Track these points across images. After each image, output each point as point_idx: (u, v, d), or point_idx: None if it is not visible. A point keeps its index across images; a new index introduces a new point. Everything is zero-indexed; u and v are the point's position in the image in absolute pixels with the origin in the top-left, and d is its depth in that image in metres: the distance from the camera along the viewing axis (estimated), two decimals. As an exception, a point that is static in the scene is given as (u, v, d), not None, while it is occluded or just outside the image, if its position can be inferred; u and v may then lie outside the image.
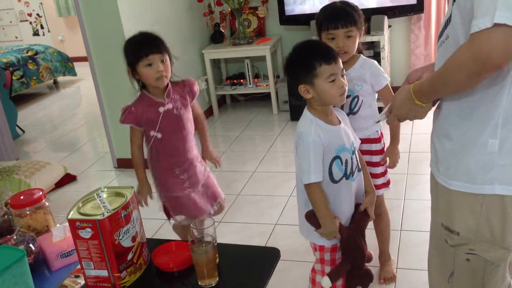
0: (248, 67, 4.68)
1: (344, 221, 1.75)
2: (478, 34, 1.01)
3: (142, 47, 2.01)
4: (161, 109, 2.08)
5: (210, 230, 1.34)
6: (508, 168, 1.16)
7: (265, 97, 4.83)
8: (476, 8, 1.03)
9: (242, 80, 4.81)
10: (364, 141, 2.04)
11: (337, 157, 1.68)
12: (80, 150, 4.53)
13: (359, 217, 1.77)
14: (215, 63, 4.92)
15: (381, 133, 2.19)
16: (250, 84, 4.74)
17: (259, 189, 3.30)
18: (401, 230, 2.64)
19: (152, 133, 2.10)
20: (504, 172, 1.16)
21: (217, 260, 1.33)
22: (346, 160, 1.70)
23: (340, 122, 1.74)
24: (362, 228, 1.79)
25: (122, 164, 3.88)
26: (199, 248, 1.29)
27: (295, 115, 4.39)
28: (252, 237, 2.76)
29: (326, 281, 1.71)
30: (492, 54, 1.01)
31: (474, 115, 1.18)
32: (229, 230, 2.84)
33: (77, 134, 5.01)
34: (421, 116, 1.33)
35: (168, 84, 2.08)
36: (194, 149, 2.22)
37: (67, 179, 3.68)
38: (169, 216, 2.29)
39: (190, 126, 2.18)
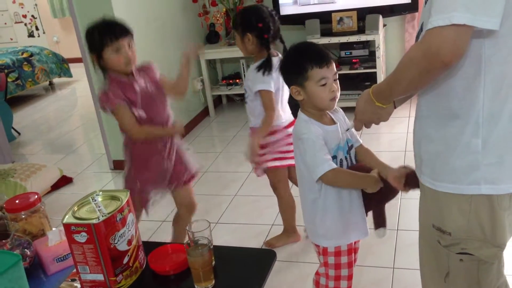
0: (243, 67, 4.68)
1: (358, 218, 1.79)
2: (430, 31, 1.02)
3: (110, 31, 1.96)
4: (137, 87, 2.04)
5: (205, 232, 1.34)
6: (493, 167, 1.16)
7: (261, 97, 4.83)
8: (433, 5, 1.03)
9: (237, 80, 4.81)
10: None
11: (333, 157, 1.68)
12: (76, 152, 4.52)
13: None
14: (211, 63, 4.91)
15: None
16: (246, 84, 4.74)
17: (255, 190, 3.30)
18: (397, 229, 2.65)
19: (135, 111, 2.04)
20: (489, 172, 1.16)
21: (213, 263, 1.33)
22: (341, 159, 1.71)
23: (334, 122, 1.74)
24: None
25: (119, 165, 3.87)
26: (194, 251, 1.29)
27: (292, 113, 4.38)
28: (249, 238, 2.75)
29: (381, 232, 1.71)
30: (441, 50, 1.01)
31: (454, 115, 1.17)
32: (226, 231, 2.84)
33: (73, 136, 5.00)
34: (385, 118, 1.36)
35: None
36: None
37: (63, 181, 3.67)
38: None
39: (166, 102, 2.16)
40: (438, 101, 1.20)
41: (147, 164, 2.18)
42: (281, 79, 2.18)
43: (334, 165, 1.60)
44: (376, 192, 1.66)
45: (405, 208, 2.84)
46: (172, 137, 2.20)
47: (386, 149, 3.64)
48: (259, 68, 2.30)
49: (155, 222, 2.89)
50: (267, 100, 2.28)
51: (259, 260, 1.41)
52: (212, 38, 4.78)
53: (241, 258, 1.44)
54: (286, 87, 2.25)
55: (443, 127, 1.21)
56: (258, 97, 2.30)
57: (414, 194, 2.97)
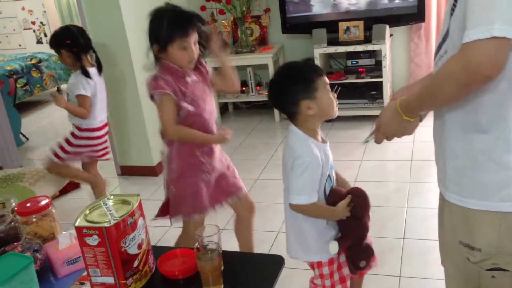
0: (250, 75, 4.71)
1: (335, 232, 1.77)
2: (470, 45, 1.01)
3: (181, 26, 1.87)
4: (189, 79, 1.95)
5: (215, 237, 1.35)
6: None
7: (267, 105, 4.85)
8: (468, 18, 1.02)
9: (244, 88, 4.83)
10: None
11: (328, 176, 1.71)
12: (83, 157, 4.55)
13: (353, 198, 1.74)
14: (218, 70, 4.94)
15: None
16: (252, 92, 4.77)
17: (262, 197, 3.31)
18: (404, 238, 2.65)
19: (184, 105, 1.93)
20: None
21: (222, 268, 1.34)
22: (332, 176, 1.76)
23: (324, 140, 1.77)
24: (358, 207, 1.76)
25: (126, 171, 3.90)
26: (204, 255, 1.30)
27: (297, 123, 4.41)
28: (255, 244, 2.76)
29: (333, 246, 1.69)
30: (482, 64, 1.00)
31: (482, 130, 1.15)
32: (233, 237, 2.84)
33: (80, 142, 5.03)
34: (410, 132, 1.34)
35: None
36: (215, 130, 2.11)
37: (71, 186, 3.69)
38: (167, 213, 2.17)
39: (214, 104, 2.10)
40: (465, 116, 1.18)
41: (184, 166, 2.05)
42: (98, 87, 2.96)
43: (315, 199, 1.64)
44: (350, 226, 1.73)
45: (411, 217, 2.85)
46: (211, 150, 2.07)
47: (392, 158, 3.65)
48: (79, 76, 2.85)
49: (163, 228, 2.90)
50: (83, 103, 2.86)
51: (268, 266, 1.42)
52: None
53: (249, 264, 1.45)
54: (101, 94, 2.96)
55: (469, 142, 1.18)
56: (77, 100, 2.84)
57: (420, 203, 3.00)
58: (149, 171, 3.78)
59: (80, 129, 3.03)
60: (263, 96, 4.75)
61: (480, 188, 1.19)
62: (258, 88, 4.83)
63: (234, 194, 2.19)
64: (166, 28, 1.87)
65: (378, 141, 1.43)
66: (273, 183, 3.51)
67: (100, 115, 3.06)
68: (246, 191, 2.26)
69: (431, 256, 2.41)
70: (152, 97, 1.97)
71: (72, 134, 3.07)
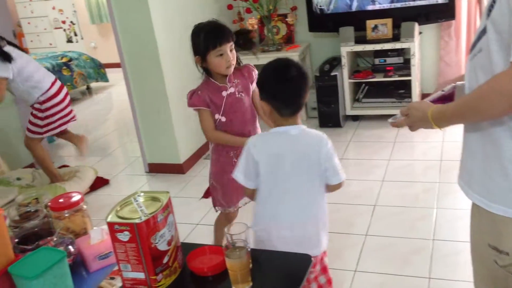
0: (277, 74, 4.70)
1: None
2: None
3: (215, 36, 2.07)
4: (224, 93, 2.17)
5: (243, 235, 1.36)
6: None
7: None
8: None
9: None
10: None
11: None
12: (111, 155, 4.63)
13: None
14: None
15: None
16: (279, 90, 4.76)
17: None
18: (433, 239, 2.61)
19: (216, 116, 2.19)
20: None
21: (251, 266, 1.35)
22: None
23: None
24: None
25: (154, 168, 3.95)
26: (233, 253, 1.31)
27: (324, 122, 4.39)
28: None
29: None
30: None
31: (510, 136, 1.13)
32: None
33: (108, 139, 5.12)
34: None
35: None
36: (257, 131, 2.29)
37: (100, 183, 3.76)
38: (209, 196, 2.41)
39: (251, 110, 2.25)
40: (500, 121, 1.16)
41: (219, 164, 2.30)
42: (23, 60, 3.21)
43: None
44: None
45: (441, 218, 2.80)
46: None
47: (421, 158, 3.60)
48: None
49: (190, 225, 2.92)
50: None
51: (295, 264, 1.42)
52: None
53: (277, 262, 1.45)
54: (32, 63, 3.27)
55: (501, 147, 1.17)
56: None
57: (450, 204, 2.95)
58: (176, 169, 3.82)
59: (42, 102, 3.30)
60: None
61: (506, 194, 1.17)
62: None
63: None
64: (203, 39, 2.10)
65: (398, 127, 1.44)
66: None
67: (48, 79, 3.31)
68: None
69: (461, 258, 2.37)
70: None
71: (38, 110, 3.33)
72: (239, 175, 1.74)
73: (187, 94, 2.23)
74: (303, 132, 1.69)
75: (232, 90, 2.19)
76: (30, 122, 3.37)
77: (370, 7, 4.22)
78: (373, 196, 3.13)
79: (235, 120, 2.20)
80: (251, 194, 1.79)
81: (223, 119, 2.19)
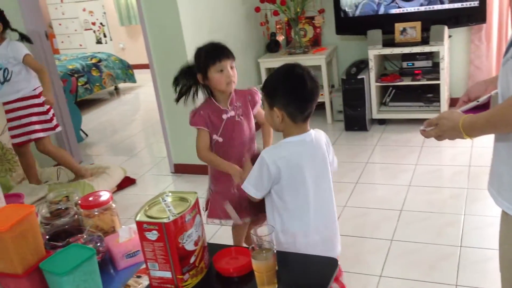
0: (303, 76, 4.69)
1: None
2: None
3: (215, 53, 2.12)
4: (224, 116, 2.19)
5: (269, 237, 1.37)
6: None
7: (319, 106, 4.81)
8: None
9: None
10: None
11: None
12: (138, 155, 4.69)
13: None
14: (270, 71, 4.96)
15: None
16: (304, 93, 4.75)
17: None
18: (460, 246, 2.57)
19: (214, 136, 2.21)
20: None
21: (276, 268, 1.35)
22: None
23: None
24: None
25: (179, 169, 3.98)
26: (259, 254, 1.32)
27: (350, 125, 4.36)
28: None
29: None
30: None
31: None
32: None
33: (135, 140, 5.19)
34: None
35: (231, 91, 2.19)
36: (253, 149, 2.27)
37: (127, 182, 3.82)
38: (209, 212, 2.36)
39: (250, 132, 2.25)
40: None
41: (218, 186, 2.31)
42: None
43: None
44: None
45: (469, 224, 2.76)
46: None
47: (449, 163, 3.55)
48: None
49: (215, 226, 2.94)
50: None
51: (321, 267, 1.42)
52: (272, 47, 4.84)
53: (303, 265, 1.45)
54: None
55: None
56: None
57: (478, 211, 2.90)
58: (202, 170, 3.81)
59: (39, 94, 3.30)
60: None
61: None
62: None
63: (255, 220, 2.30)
64: (204, 56, 2.14)
65: (426, 136, 1.41)
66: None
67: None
68: None
69: (490, 266, 2.33)
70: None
71: (38, 106, 3.31)
72: (251, 188, 1.72)
73: (190, 113, 2.25)
74: (314, 136, 1.72)
75: (232, 113, 2.20)
76: (36, 123, 3.29)
77: (398, 10, 4.18)
78: (400, 201, 3.10)
79: (232, 142, 2.21)
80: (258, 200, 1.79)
81: (220, 139, 2.21)
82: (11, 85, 3.17)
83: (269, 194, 1.73)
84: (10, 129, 3.25)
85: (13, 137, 3.27)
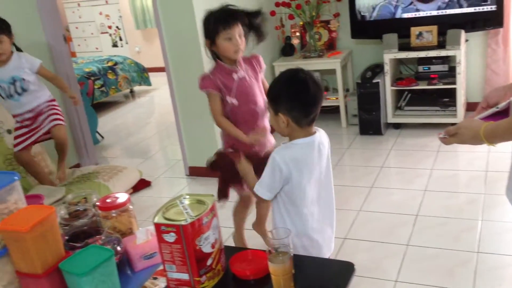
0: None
1: None
2: None
3: (224, 21, 2.13)
4: (235, 76, 2.22)
5: (286, 240, 1.37)
6: None
7: (334, 110, 4.81)
8: None
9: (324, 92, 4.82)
10: None
11: None
12: (153, 157, 4.72)
13: None
14: (285, 75, 4.96)
15: None
16: (319, 97, 4.74)
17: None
18: (477, 252, 2.54)
19: (228, 99, 2.22)
20: None
21: (293, 271, 1.35)
22: None
23: None
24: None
25: (194, 172, 4.00)
26: (276, 257, 1.32)
27: (365, 129, 4.34)
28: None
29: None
30: None
31: None
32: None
33: (149, 142, 5.22)
34: None
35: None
36: (266, 121, 2.31)
37: (143, 184, 3.84)
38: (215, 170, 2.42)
39: (262, 96, 2.28)
40: None
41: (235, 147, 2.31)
42: None
43: None
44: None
45: (486, 230, 2.73)
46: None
47: (466, 168, 3.51)
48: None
49: (229, 229, 2.94)
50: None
51: (338, 272, 1.42)
52: (287, 50, 4.84)
53: (319, 269, 1.45)
54: None
55: None
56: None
57: (496, 217, 2.87)
58: (216, 173, 3.85)
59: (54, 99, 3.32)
60: (330, 101, 4.72)
61: None
62: (325, 93, 4.81)
63: None
64: (212, 23, 2.16)
65: (446, 143, 1.41)
66: (338, 188, 3.46)
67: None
68: None
69: (507, 272, 2.31)
70: (201, 90, 2.30)
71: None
72: (265, 192, 1.71)
73: (198, 78, 2.26)
74: (320, 137, 1.74)
75: (242, 74, 2.23)
76: (59, 114, 3.32)
77: (414, 14, 4.16)
78: (415, 206, 3.08)
79: (246, 105, 2.22)
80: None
81: (235, 102, 2.21)
82: (30, 94, 3.18)
83: (278, 195, 1.75)
84: (19, 136, 3.27)
85: (21, 141, 3.28)
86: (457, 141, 1.36)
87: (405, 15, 4.19)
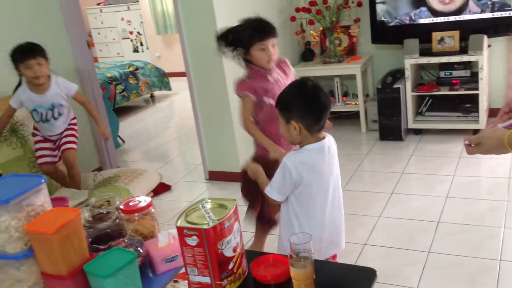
0: (337, 86, 4.69)
1: None
2: None
3: (259, 33, 2.24)
4: (270, 78, 2.32)
5: (308, 245, 1.37)
6: None
7: (354, 115, 4.80)
8: None
9: (331, 98, 4.81)
10: None
11: None
12: (172, 161, 4.76)
13: None
14: (305, 80, 4.97)
15: None
16: (338, 102, 4.74)
17: (346, 208, 3.25)
18: (500, 260, 2.50)
19: (265, 99, 2.31)
20: None
21: (314, 276, 1.35)
22: None
23: None
24: None
25: (214, 176, 4.02)
26: (297, 262, 1.32)
27: (385, 135, 4.32)
28: (340, 256, 2.73)
29: None
30: None
31: None
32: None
33: (169, 146, 5.27)
34: None
35: None
36: None
37: (163, 188, 3.88)
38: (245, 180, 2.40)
39: None
40: None
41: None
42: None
43: None
44: None
45: (508, 238, 2.69)
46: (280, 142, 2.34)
47: (488, 175, 3.46)
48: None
49: (249, 233, 2.95)
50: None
51: (359, 278, 1.41)
52: (307, 56, 4.85)
53: (341, 274, 1.44)
54: None
55: None
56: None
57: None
58: (235, 177, 3.85)
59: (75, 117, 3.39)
60: (349, 107, 4.71)
61: None
62: (344, 98, 4.80)
63: None
64: (248, 33, 2.26)
65: (469, 153, 1.41)
66: (358, 194, 3.46)
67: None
68: None
69: (531, 281, 2.26)
70: (237, 94, 2.39)
71: (74, 127, 3.40)
72: (274, 193, 1.80)
73: (234, 82, 2.35)
74: (329, 142, 1.82)
75: (276, 76, 2.34)
76: (75, 136, 3.38)
77: (436, 19, 4.13)
78: (437, 213, 3.05)
79: None
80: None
81: (272, 102, 2.22)
82: (63, 117, 3.26)
83: (287, 198, 1.83)
84: (40, 150, 3.32)
85: (42, 156, 3.32)
86: (481, 151, 1.35)
87: (427, 20, 4.16)
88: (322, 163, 1.79)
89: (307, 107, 1.74)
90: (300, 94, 1.77)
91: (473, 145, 1.39)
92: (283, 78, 2.36)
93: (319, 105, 1.75)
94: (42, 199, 1.43)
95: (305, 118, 1.73)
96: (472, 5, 3.97)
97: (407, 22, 4.23)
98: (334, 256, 1.99)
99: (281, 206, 1.87)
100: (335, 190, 1.87)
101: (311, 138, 1.77)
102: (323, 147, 1.78)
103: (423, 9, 4.15)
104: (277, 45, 2.29)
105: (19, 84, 3.12)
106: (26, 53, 2.96)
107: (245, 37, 2.26)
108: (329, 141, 1.81)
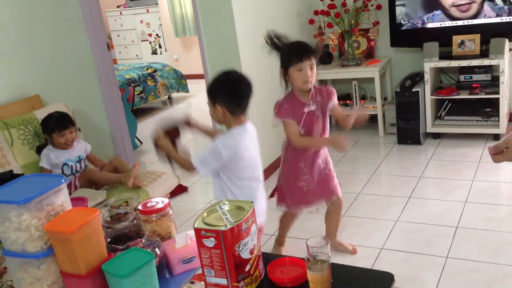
0: (355, 89, 4.67)
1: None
2: None
3: (297, 54, 2.33)
4: (306, 109, 2.42)
5: (325, 249, 1.37)
6: None
7: (372, 119, 4.76)
8: None
9: (348, 101, 4.80)
10: None
11: None
12: (190, 163, 4.77)
13: None
14: (323, 83, 4.96)
15: None
16: (356, 105, 4.72)
17: (363, 212, 3.26)
18: (521, 266, 2.47)
19: (299, 128, 2.44)
20: None
21: (331, 280, 1.35)
22: None
23: None
24: None
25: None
26: (314, 265, 1.32)
27: (403, 138, 4.28)
28: (356, 260, 2.72)
29: None
30: None
31: None
32: (333, 251, 2.83)
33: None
34: None
35: (311, 87, 2.41)
36: (325, 149, 2.60)
37: (180, 189, 3.90)
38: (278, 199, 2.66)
39: (323, 125, 2.48)
40: None
41: (289, 172, 2.59)
42: None
43: None
44: None
45: (529, 245, 2.64)
46: (314, 162, 2.54)
47: (508, 180, 3.41)
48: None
49: (265, 236, 2.96)
50: None
51: (376, 282, 1.40)
52: (325, 59, 4.84)
53: (358, 278, 1.44)
54: None
55: None
56: None
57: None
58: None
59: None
60: (367, 110, 4.68)
61: None
62: (362, 101, 4.77)
63: (327, 199, 2.66)
64: (287, 54, 2.37)
65: (496, 161, 1.40)
66: (375, 198, 3.44)
67: None
68: (339, 194, 2.68)
69: (552, 289, 2.22)
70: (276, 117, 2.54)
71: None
72: (203, 169, 2.10)
73: (274, 106, 2.46)
74: (251, 126, 2.12)
75: (313, 108, 2.42)
76: None
77: (456, 23, 4.08)
78: (455, 218, 3.01)
79: (312, 135, 2.46)
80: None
81: (302, 131, 2.45)
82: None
83: (220, 175, 2.12)
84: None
85: None
86: (508, 157, 1.33)
87: (446, 24, 4.12)
88: (248, 141, 2.09)
89: (228, 94, 2.04)
90: (224, 82, 2.07)
91: (499, 152, 1.37)
92: (318, 109, 2.43)
93: (238, 93, 2.05)
94: (62, 199, 1.45)
95: (227, 102, 2.03)
96: (487, 9, 3.92)
97: (426, 25, 4.19)
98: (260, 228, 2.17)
99: (214, 178, 2.16)
100: (258, 165, 2.18)
101: (234, 120, 2.06)
102: (246, 129, 2.09)
103: (442, 13, 4.11)
104: (315, 68, 2.35)
105: (43, 145, 3.24)
106: (60, 125, 3.16)
107: (285, 57, 2.36)
108: (250, 125, 2.12)
